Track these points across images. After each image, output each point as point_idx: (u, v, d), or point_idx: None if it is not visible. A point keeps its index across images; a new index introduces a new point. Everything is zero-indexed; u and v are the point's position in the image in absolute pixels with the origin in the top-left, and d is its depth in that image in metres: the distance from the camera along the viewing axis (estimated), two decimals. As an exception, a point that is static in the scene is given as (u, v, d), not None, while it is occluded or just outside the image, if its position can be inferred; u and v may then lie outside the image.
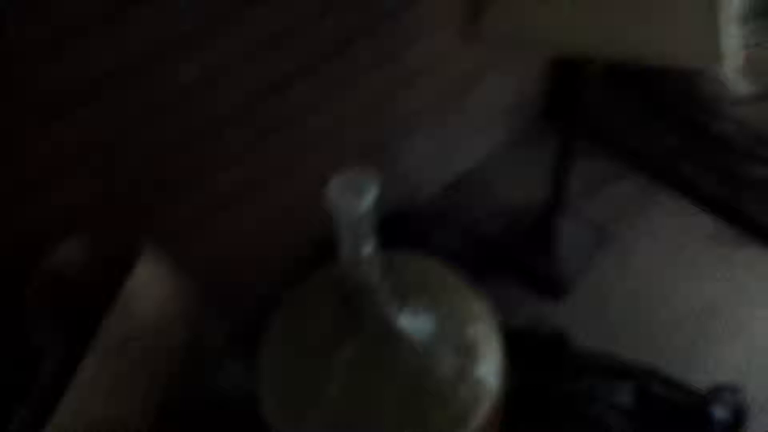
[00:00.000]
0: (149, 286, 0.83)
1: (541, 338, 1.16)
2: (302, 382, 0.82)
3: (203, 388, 0.84)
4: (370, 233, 0.68)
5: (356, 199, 0.63)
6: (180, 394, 0.80)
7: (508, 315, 0.94)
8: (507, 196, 1.48)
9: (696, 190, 1.48)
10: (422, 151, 1.38)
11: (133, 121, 0.90)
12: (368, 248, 0.69)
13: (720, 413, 1.07)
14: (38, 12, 0.75)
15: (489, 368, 0.80)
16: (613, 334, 1.26)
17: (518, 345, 0.94)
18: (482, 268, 1.04)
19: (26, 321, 0.77)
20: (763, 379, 1.18)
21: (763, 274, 1.33)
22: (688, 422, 1.08)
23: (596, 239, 1.39)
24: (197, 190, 1.05)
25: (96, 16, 0.80)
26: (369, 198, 0.63)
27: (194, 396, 0.83)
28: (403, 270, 0.81)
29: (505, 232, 1.39)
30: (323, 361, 0.80)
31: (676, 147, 1.55)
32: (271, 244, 1.18)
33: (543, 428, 1.11)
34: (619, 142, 1.56)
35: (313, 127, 1.13)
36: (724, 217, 1.44)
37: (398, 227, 1.28)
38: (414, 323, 0.78)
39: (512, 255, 1.35)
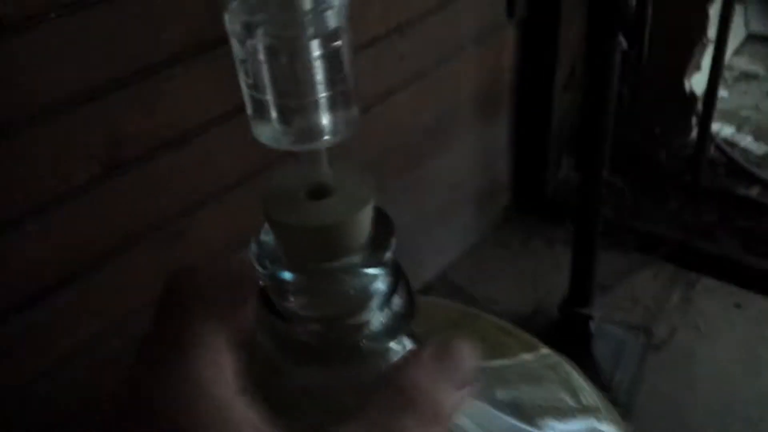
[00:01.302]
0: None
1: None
2: None
3: None
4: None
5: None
6: None
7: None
8: (494, 301, 1.09)
9: (744, 269, 1.12)
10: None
11: None
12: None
13: None
14: None
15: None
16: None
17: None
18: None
19: None
20: None
21: None
22: None
23: (640, 343, 0.99)
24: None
25: None
26: None
27: None
28: (433, 315, 0.38)
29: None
30: None
31: (703, 222, 1.21)
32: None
33: None
34: (630, 227, 1.21)
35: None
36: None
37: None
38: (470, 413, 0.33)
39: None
